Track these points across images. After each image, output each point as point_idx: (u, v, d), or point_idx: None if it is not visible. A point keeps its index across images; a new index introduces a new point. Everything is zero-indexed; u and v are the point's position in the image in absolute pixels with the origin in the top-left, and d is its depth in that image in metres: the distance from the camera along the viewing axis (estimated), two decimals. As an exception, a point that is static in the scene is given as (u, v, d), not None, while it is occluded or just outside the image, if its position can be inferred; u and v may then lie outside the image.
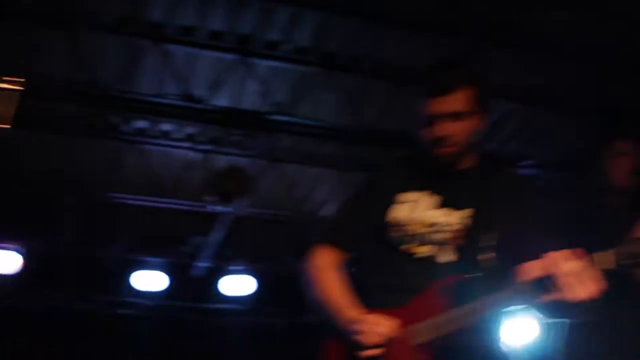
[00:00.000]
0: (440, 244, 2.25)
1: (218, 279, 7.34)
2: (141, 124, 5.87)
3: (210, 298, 7.62)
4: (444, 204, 2.30)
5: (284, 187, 6.54)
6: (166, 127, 5.96)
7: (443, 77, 2.29)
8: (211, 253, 7.13)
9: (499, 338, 2.29)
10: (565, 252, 1.84)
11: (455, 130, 2.27)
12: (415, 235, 2.27)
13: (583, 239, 2.67)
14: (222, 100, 5.67)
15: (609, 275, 1.80)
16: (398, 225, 2.30)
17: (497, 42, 5.16)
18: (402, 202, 2.34)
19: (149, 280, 7.30)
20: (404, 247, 2.28)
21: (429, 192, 2.33)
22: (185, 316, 7.80)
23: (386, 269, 2.32)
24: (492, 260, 2.21)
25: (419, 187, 2.36)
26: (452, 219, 2.27)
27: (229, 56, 5.26)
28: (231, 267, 7.22)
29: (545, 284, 1.86)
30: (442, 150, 2.29)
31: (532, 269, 1.98)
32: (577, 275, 1.80)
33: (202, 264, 7.29)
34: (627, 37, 5.11)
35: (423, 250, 2.26)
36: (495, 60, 5.41)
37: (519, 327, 7.64)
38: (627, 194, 3.03)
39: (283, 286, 6.91)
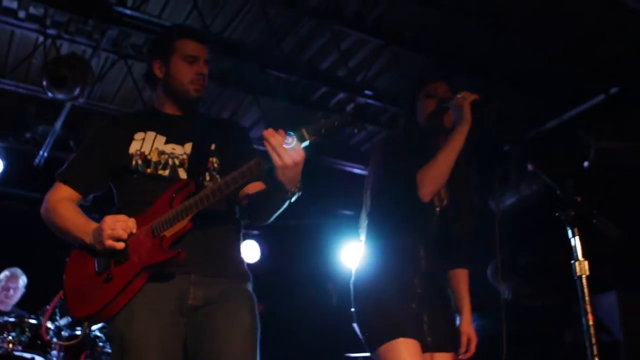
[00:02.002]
0: (175, 166, 2.63)
1: (57, 169, 7.21)
2: (-19, -4, 5.63)
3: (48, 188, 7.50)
4: (168, 141, 2.69)
5: (132, 85, 6.47)
6: (10, 4, 5.73)
7: (199, 31, 2.91)
8: (53, 143, 7.01)
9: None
10: (271, 130, 2.27)
11: (206, 73, 2.74)
12: (155, 162, 2.63)
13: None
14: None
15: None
16: (140, 155, 2.64)
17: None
18: (138, 140, 2.69)
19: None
20: (149, 170, 2.62)
21: (156, 132, 2.71)
22: (23, 205, 7.66)
23: (133, 189, 2.64)
24: (216, 177, 2.64)
25: (149, 128, 2.72)
26: (177, 150, 2.67)
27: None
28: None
29: (266, 157, 2.28)
30: (198, 87, 2.72)
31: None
32: (281, 146, 2.24)
33: (44, 153, 7.16)
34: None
35: (163, 172, 2.62)
36: None
37: (356, 250, 8.11)
38: (428, 134, 3.12)
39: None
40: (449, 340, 2.99)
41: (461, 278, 3.20)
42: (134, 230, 2.44)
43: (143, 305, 2.43)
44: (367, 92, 6.08)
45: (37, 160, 7.24)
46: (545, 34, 5.78)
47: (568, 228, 2.53)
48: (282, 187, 2.33)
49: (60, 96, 5.30)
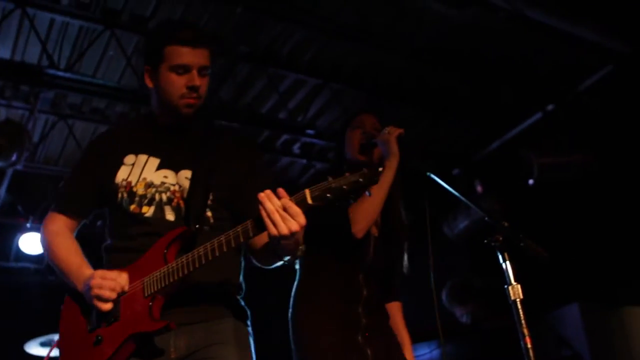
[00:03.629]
0: (162, 204, 2.36)
1: (8, 235, 7.12)
2: None
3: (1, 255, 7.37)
4: (162, 166, 2.42)
5: (75, 145, 6.41)
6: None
7: (195, 30, 2.39)
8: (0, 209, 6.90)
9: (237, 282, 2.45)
10: (268, 192, 1.94)
11: (203, 83, 2.37)
12: (140, 196, 2.37)
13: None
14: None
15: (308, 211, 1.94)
16: (125, 186, 2.39)
17: (275, 15, 5.29)
18: (127, 165, 2.43)
19: None
20: (132, 207, 2.37)
21: (148, 155, 2.44)
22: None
23: (118, 230, 2.42)
24: (211, 217, 2.36)
25: (142, 150, 2.45)
26: (170, 180, 2.39)
27: (6, 4, 5.05)
28: (22, 224, 7.01)
29: (259, 223, 1.98)
30: (190, 101, 2.36)
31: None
32: (279, 212, 1.91)
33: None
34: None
35: (148, 211, 2.36)
36: (276, 31, 5.59)
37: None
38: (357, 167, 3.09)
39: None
40: None
41: (396, 312, 3.18)
42: (126, 289, 2.23)
43: None
44: (309, 131, 6.11)
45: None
46: (478, 59, 5.90)
47: (498, 253, 2.53)
48: (279, 252, 2.10)
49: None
